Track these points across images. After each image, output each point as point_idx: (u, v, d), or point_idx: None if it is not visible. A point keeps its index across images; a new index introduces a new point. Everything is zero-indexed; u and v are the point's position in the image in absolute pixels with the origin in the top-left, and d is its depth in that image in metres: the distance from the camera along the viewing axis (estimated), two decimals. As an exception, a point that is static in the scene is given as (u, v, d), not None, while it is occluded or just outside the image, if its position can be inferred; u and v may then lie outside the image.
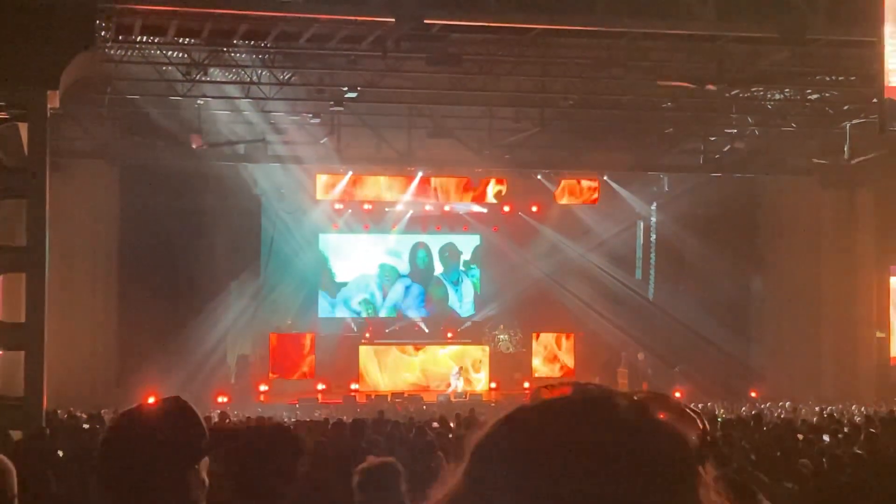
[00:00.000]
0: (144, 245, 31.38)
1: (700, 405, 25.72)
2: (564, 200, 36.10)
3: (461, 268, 37.93)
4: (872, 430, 16.87)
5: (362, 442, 12.74)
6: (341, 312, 36.86)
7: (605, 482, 1.19)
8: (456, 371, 35.64)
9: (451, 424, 19.11)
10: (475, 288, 37.92)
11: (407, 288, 37.54)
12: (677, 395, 30.31)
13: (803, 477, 10.94)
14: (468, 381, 35.76)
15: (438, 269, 37.85)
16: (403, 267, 37.50)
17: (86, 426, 19.55)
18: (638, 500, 1.19)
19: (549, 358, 37.45)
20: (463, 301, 38.01)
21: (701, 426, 1.34)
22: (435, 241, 37.67)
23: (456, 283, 37.98)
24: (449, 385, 35.30)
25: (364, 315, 37.08)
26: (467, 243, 37.90)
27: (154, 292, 31.01)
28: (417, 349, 36.37)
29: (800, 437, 15.59)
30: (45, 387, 20.64)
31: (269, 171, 32.66)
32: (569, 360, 37.25)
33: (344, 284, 36.83)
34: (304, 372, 35.25)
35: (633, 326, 35.96)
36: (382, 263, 37.22)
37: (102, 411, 22.25)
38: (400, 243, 37.33)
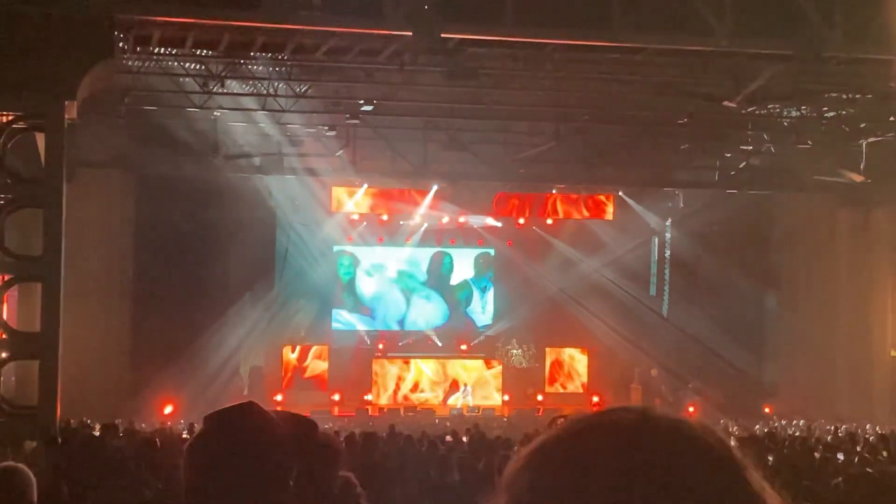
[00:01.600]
0: (159, 255, 31.42)
1: (713, 422, 25.59)
2: (579, 215, 36.04)
3: (489, 278, 37.93)
4: (887, 449, 16.76)
5: (375, 455, 12.70)
6: (360, 325, 36.84)
7: None
8: (465, 390, 35.60)
9: (464, 439, 19.04)
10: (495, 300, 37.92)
11: (426, 298, 37.57)
12: (690, 410, 30.29)
13: (819, 497, 10.86)
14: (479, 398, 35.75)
15: (468, 273, 37.83)
16: (421, 275, 37.51)
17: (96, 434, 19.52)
18: None
19: (563, 373, 37.37)
20: (486, 309, 37.94)
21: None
22: (461, 252, 37.72)
23: (484, 290, 37.97)
24: (458, 398, 35.29)
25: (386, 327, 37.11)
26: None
27: (168, 303, 31.06)
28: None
29: (816, 455, 15.49)
30: (59, 396, 20.67)
31: (285, 183, 32.69)
32: (582, 376, 37.17)
33: (368, 299, 36.87)
34: (318, 383, 35.24)
35: (646, 342, 35.87)
36: (401, 270, 37.23)
37: (117, 421, 22.25)
38: (415, 254, 37.31)
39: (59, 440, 16.24)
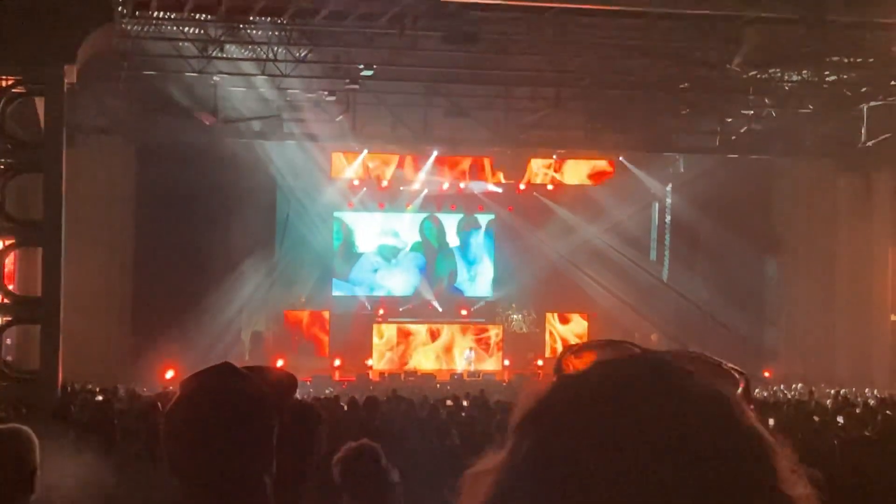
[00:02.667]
0: (160, 221, 31.38)
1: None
2: (580, 180, 36.00)
3: (482, 244, 37.84)
4: (887, 412, 16.79)
5: (376, 420, 12.71)
6: (357, 291, 36.88)
7: (676, 445, 1.13)
8: (467, 354, 35.68)
9: (465, 403, 19.08)
10: (493, 269, 37.84)
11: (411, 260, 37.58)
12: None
13: (819, 460, 10.88)
14: (479, 359, 35.84)
15: (454, 241, 37.82)
16: (403, 245, 37.51)
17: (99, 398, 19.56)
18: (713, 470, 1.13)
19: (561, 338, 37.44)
20: (477, 281, 37.91)
21: (742, 383, 1.28)
22: (451, 218, 37.69)
23: (472, 261, 37.91)
24: (462, 362, 35.39)
25: (379, 293, 37.10)
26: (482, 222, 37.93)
27: (169, 268, 31.06)
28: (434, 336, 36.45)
29: (816, 419, 15.53)
30: (61, 361, 20.72)
31: (285, 149, 32.61)
32: (581, 340, 37.22)
33: (360, 255, 36.88)
34: (319, 349, 35.35)
35: (646, 307, 35.90)
36: (382, 245, 37.18)
37: (118, 385, 22.30)
38: (400, 222, 37.29)
39: (72, 407, 16.24)
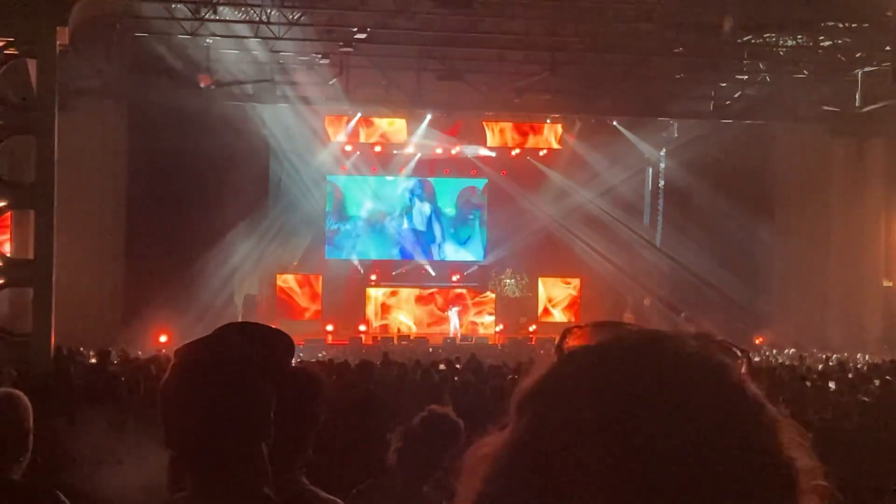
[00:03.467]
0: (152, 184, 31.30)
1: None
2: (574, 145, 35.93)
3: (476, 208, 37.87)
4: (878, 377, 16.87)
5: (370, 384, 12.74)
6: (349, 254, 36.91)
7: (679, 418, 1.13)
8: (455, 311, 35.71)
9: (457, 366, 19.12)
10: (486, 234, 37.87)
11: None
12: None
13: (810, 426, 10.92)
14: (473, 324, 35.91)
15: (447, 206, 37.85)
16: (396, 209, 37.56)
17: (93, 361, 19.59)
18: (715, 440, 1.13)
19: (554, 303, 37.49)
20: (469, 246, 37.95)
21: (744, 360, 1.28)
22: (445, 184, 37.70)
23: (466, 226, 37.93)
24: (449, 323, 35.45)
25: (372, 256, 37.17)
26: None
27: (162, 231, 31.03)
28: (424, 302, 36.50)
29: (808, 384, 15.59)
30: (54, 324, 20.71)
31: (278, 112, 32.52)
32: (575, 304, 37.26)
33: (353, 219, 36.89)
34: (312, 313, 35.41)
35: (639, 272, 35.97)
36: (374, 208, 37.19)
37: (110, 349, 22.28)
38: (393, 186, 37.26)
39: (71, 369, 16.25)
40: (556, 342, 1.31)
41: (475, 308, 36.43)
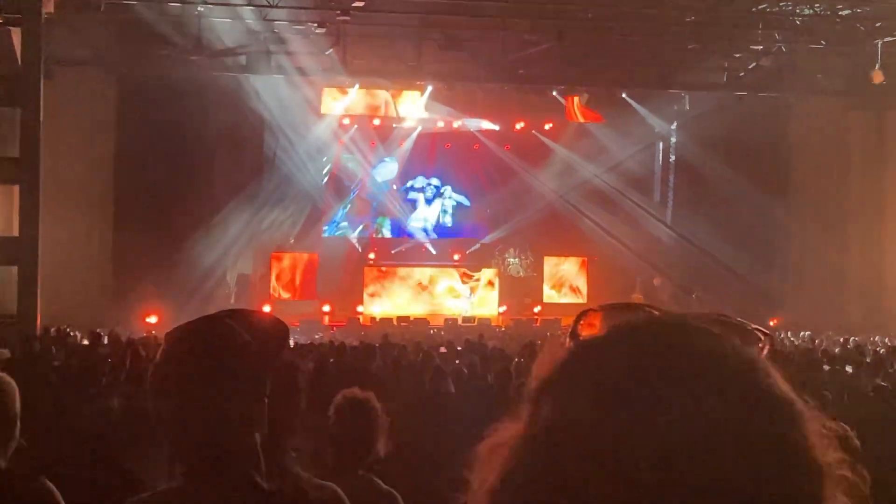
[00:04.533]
0: (142, 158, 31.22)
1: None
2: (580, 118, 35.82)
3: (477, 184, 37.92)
4: (897, 361, 16.84)
5: (370, 366, 12.77)
6: (347, 232, 36.93)
7: (705, 409, 1.13)
8: (463, 288, 35.76)
9: (458, 349, 19.13)
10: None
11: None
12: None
13: (826, 411, 10.92)
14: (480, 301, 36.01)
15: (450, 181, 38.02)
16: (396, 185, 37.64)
17: (85, 342, 19.61)
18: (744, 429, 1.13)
19: (560, 283, 37.48)
20: (472, 223, 37.95)
21: (767, 345, 1.28)
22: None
23: (468, 203, 37.97)
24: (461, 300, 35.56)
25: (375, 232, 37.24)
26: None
27: (151, 208, 31.02)
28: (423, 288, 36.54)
29: (825, 368, 15.57)
30: (39, 303, 20.72)
31: (272, 84, 32.39)
32: (581, 285, 37.27)
33: (351, 195, 36.94)
34: (307, 293, 35.41)
35: (649, 251, 35.94)
36: (374, 184, 37.24)
37: (98, 330, 22.31)
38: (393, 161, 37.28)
39: (53, 350, 16.26)
40: (571, 327, 1.31)
41: (464, 287, 36.42)
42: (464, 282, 36.41)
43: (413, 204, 37.71)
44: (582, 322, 1.28)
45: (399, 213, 37.44)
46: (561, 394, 1.17)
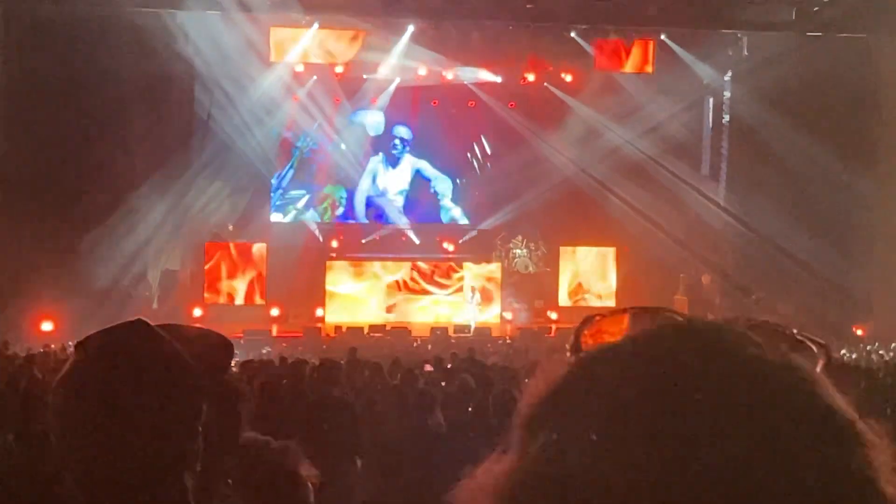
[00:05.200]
0: (36, 119, 31.15)
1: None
2: (607, 67, 35.86)
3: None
4: None
5: (333, 391, 12.75)
6: (304, 215, 36.95)
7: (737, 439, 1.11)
8: (474, 296, 35.71)
9: (449, 366, 19.16)
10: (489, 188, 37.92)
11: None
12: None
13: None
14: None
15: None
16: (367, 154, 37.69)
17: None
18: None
19: (582, 281, 37.54)
20: (467, 204, 38.03)
21: (823, 359, 1.27)
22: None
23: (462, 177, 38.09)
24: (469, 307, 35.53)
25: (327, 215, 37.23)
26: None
27: (48, 184, 30.93)
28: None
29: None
30: None
31: (206, 23, 32.37)
32: (609, 284, 37.32)
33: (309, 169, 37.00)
34: (252, 295, 35.42)
35: (696, 240, 35.99)
36: (338, 153, 37.26)
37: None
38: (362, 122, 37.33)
39: None
40: (572, 338, 1.30)
41: (442, 291, 36.38)
42: (440, 284, 36.37)
43: (373, 177, 37.66)
44: (587, 331, 1.28)
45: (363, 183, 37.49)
46: (560, 420, 1.17)
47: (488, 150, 37.77)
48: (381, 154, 37.56)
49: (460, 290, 36.37)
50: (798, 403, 1.14)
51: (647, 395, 1.13)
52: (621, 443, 1.11)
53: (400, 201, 37.56)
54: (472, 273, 36.70)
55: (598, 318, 1.30)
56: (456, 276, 36.58)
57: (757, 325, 1.27)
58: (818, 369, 1.23)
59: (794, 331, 1.30)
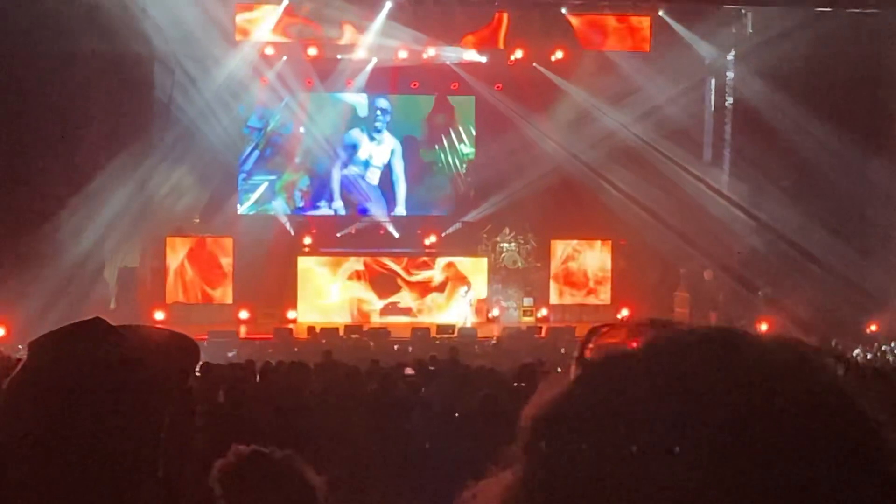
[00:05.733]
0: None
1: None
2: (601, 46, 35.83)
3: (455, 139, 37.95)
4: None
5: (303, 395, 12.77)
6: (275, 207, 36.90)
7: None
8: (468, 294, 35.67)
9: (432, 369, 19.17)
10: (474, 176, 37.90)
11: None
12: (762, 328, 30.45)
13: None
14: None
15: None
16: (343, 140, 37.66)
17: None
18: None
19: (575, 277, 37.49)
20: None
21: (841, 368, 1.28)
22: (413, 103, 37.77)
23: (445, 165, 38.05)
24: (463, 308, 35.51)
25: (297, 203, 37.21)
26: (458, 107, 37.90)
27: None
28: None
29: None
30: None
31: (167, -2, 32.36)
32: (604, 280, 37.28)
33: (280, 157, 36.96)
34: (218, 294, 35.35)
35: (697, 232, 35.94)
36: (311, 140, 37.22)
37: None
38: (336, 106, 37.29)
39: None
40: (579, 347, 1.31)
41: (413, 293, 36.29)
42: (417, 283, 36.33)
43: (353, 149, 37.61)
44: (594, 342, 1.28)
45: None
46: (564, 433, 1.17)
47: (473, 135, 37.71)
48: (362, 128, 37.46)
49: (442, 287, 36.28)
50: (837, 415, 1.15)
51: (662, 404, 1.15)
52: (622, 460, 1.12)
53: (377, 176, 37.46)
54: (444, 269, 36.57)
55: (604, 329, 1.31)
56: (434, 271, 36.48)
57: (776, 337, 1.28)
58: (840, 375, 1.24)
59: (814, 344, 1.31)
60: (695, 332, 1.25)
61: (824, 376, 1.20)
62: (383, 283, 35.93)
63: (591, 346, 1.29)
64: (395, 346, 29.92)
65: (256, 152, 36.97)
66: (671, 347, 1.20)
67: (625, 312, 34.44)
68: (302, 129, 36.97)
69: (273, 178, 37.15)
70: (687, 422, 1.12)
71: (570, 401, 1.20)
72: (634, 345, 1.25)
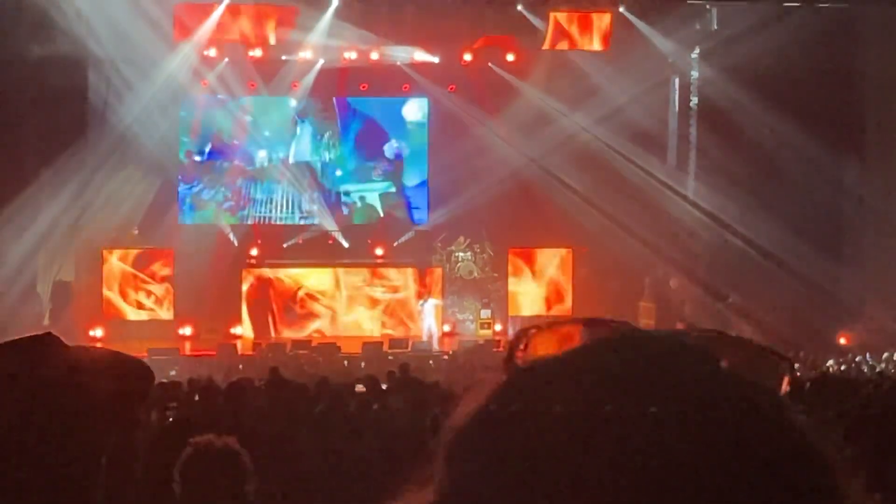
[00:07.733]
0: None
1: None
2: (559, 45, 35.89)
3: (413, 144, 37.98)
4: None
5: (245, 414, 12.72)
6: (217, 217, 36.83)
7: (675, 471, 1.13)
8: (429, 304, 35.65)
9: (384, 387, 19.13)
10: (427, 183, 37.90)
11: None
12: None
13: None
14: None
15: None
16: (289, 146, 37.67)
17: None
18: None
19: (533, 287, 37.54)
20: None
21: (788, 375, 1.28)
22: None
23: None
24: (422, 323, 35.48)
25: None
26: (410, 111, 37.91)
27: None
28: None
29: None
30: None
31: (101, -1, 32.28)
32: (564, 290, 37.33)
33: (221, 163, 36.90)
34: (159, 308, 35.26)
35: (662, 239, 36.01)
36: (255, 145, 37.26)
37: None
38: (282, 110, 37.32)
39: None
40: (506, 352, 1.30)
41: (360, 307, 36.35)
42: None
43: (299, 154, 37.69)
44: (521, 345, 1.28)
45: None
46: (486, 446, 1.17)
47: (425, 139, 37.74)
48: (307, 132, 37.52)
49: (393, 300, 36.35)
50: (764, 429, 1.15)
51: (592, 417, 1.14)
52: (550, 475, 1.12)
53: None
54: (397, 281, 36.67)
55: (534, 330, 1.30)
56: (386, 282, 36.51)
57: (725, 338, 1.28)
58: (784, 386, 1.24)
59: (765, 346, 1.31)
60: (631, 339, 1.25)
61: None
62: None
63: (521, 349, 1.29)
64: (346, 362, 29.87)
65: (198, 159, 36.87)
66: (589, 354, 1.20)
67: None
68: (245, 134, 36.90)
69: (215, 186, 37.05)
70: (607, 426, 1.13)
71: (489, 413, 1.20)
72: (566, 347, 1.25)
